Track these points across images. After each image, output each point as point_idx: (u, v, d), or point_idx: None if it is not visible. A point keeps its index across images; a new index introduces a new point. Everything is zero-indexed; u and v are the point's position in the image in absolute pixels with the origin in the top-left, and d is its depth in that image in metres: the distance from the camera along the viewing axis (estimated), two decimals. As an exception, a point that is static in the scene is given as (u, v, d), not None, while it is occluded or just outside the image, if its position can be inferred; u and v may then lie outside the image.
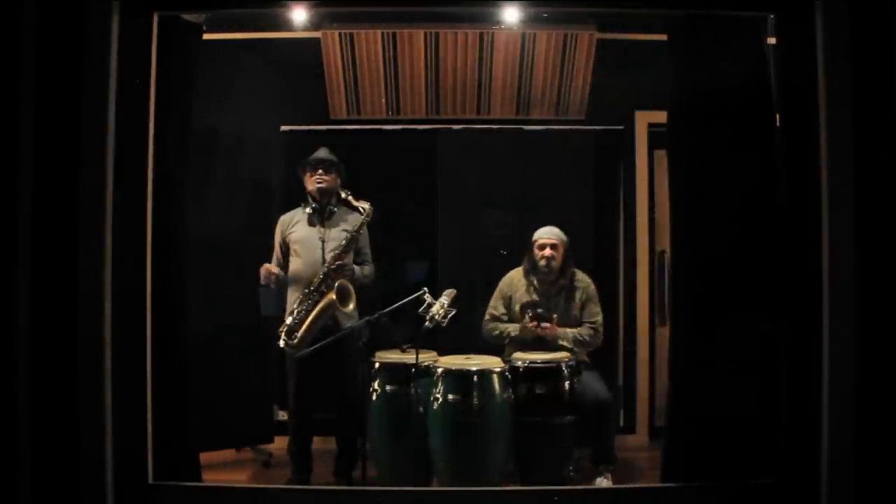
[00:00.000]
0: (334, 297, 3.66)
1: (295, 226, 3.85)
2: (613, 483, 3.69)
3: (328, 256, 3.75)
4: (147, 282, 3.05)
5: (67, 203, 2.84)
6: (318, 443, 3.97)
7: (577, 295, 3.94)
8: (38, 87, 2.80)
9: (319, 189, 3.82)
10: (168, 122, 3.18)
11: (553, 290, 3.96)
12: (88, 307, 2.85)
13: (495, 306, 4.02)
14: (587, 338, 3.88)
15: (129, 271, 2.98)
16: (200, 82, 3.41)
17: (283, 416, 4.35)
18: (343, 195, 3.80)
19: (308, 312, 3.68)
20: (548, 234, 3.94)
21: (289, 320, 3.71)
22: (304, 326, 3.67)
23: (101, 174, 2.89)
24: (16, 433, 2.74)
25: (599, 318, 3.94)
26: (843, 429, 2.83)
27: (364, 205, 3.76)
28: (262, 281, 3.80)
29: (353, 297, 3.73)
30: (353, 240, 3.76)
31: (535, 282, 3.96)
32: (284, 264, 3.86)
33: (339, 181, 3.87)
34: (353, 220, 3.85)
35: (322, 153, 3.87)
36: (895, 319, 2.79)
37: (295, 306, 3.72)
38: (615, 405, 3.82)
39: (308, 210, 3.85)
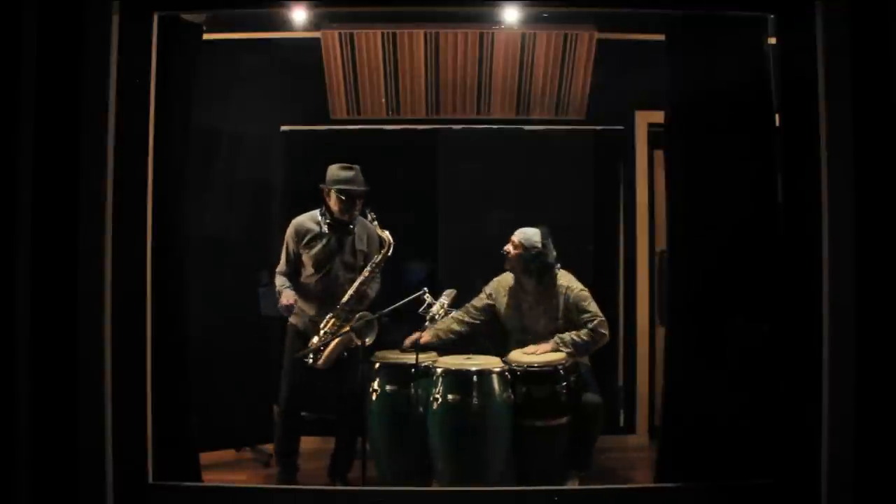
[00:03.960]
0: (353, 336, 3.59)
1: (312, 240, 3.74)
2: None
3: (344, 277, 3.75)
4: (147, 282, 3.05)
5: (67, 203, 2.84)
6: (314, 442, 3.97)
7: (559, 301, 3.81)
8: (38, 87, 2.81)
9: (350, 216, 3.74)
10: (168, 122, 3.19)
11: (534, 296, 3.86)
12: (88, 307, 2.86)
13: (469, 306, 3.94)
14: (585, 339, 3.71)
15: (129, 271, 2.99)
16: (200, 82, 3.41)
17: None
18: (370, 217, 3.73)
19: (333, 336, 3.64)
20: (516, 234, 3.84)
21: (315, 340, 3.66)
22: (328, 349, 3.64)
23: (101, 174, 2.90)
24: (16, 433, 2.74)
25: (599, 318, 3.74)
26: (843, 429, 2.83)
27: (386, 235, 3.70)
28: (283, 310, 3.72)
29: (375, 331, 3.61)
30: (375, 274, 3.74)
31: (518, 286, 3.90)
32: (291, 272, 3.77)
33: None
34: (367, 235, 3.81)
35: (355, 179, 3.71)
36: (895, 319, 2.79)
37: (325, 328, 3.67)
38: (603, 413, 3.75)
39: (326, 228, 3.75)
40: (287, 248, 3.78)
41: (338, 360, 3.65)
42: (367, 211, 3.74)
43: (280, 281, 3.77)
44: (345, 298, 3.69)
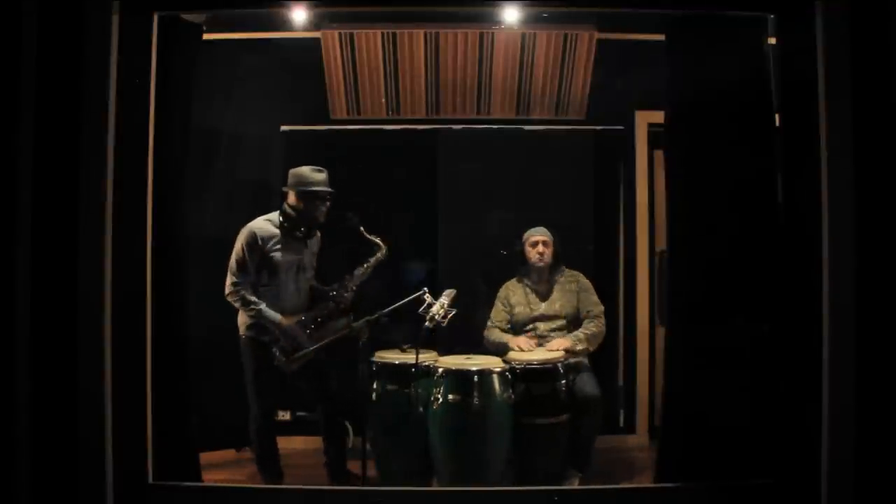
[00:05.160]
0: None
1: (276, 245, 3.65)
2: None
3: (304, 282, 3.77)
4: (147, 282, 3.05)
5: (67, 203, 2.84)
6: (313, 442, 3.97)
7: (572, 288, 3.96)
8: (39, 86, 2.80)
9: (319, 218, 3.73)
10: (168, 122, 3.19)
11: (548, 290, 3.97)
12: (88, 307, 2.86)
13: (496, 315, 4.02)
14: (595, 331, 3.87)
15: (129, 271, 2.99)
16: (200, 82, 3.41)
17: (282, 415, 4.36)
18: (360, 227, 3.75)
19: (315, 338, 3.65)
20: (538, 232, 3.97)
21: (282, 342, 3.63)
22: (307, 350, 3.60)
23: (101, 174, 2.90)
24: (16, 433, 2.74)
25: (601, 307, 3.94)
26: (843, 429, 2.83)
27: (378, 241, 3.76)
28: (285, 340, 3.61)
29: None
30: (365, 273, 3.78)
31: (530, 285, 3.99)
32: (245, 282, 3.61)
33: None
34: (316, 237, 3.85)
35: (324, 180, 3.71)
36: (895, 319, 2.79)
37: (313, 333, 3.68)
38: (602, 409, 3.76)
39: (297, 232, 3.70)
40: (244, 255, 3.60)
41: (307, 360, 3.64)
42: (352, 215, 3.75)
43: (244, 295, 3.59)
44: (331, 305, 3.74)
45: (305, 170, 3.72)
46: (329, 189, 3.72)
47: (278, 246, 3.67)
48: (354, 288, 3.79)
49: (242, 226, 3.76)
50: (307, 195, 3.68)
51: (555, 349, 3.76)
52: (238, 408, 4.08)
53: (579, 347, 3.80)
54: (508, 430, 3.50)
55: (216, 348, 4.01)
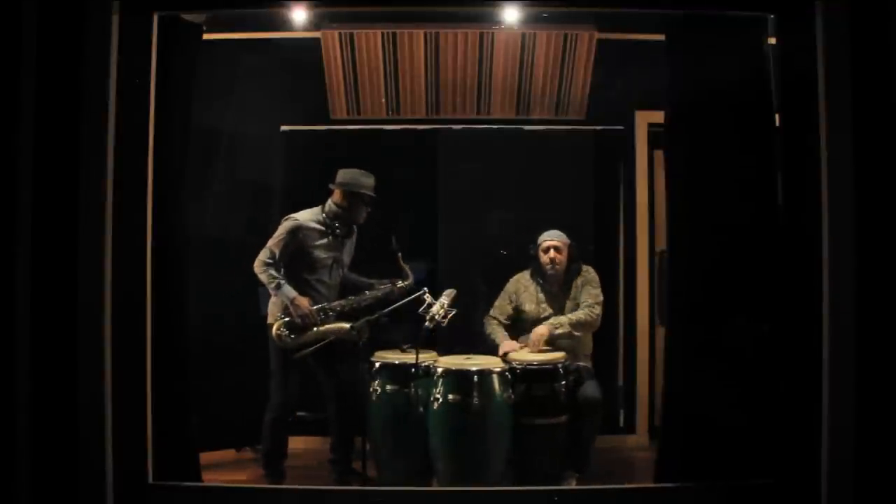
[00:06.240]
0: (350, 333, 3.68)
1: (317, 240, 3.77)
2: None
3: (337, 279, 3.85)
4: (147, 282, 3.05)
5: (67, 203, 2.84)
6: (314, 442, 3.96)
7: (578, 283, 3.93)
8: (39, 86, 2.81)
9: (360, 219, 3.85)
10: (168, 122, 3.19)
11: (560, 291, 3.95)
12: (88, 307, 2.86)
13: (499, 307, 4.01)
14: (582, 318, 3.82)
15: (129, 271, 2.99)
16: (200, 82, 3.41)
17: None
18: (398, 253, 3.83)
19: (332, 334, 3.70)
20: (551, 237, 3.93)
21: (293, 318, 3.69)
22: (308, 335, 3.67)
23: (101, 174, 2.90)
24: (16, 434, 2.74)
25: (599, 298, 3.88)
26: (843, 429, 2.83)
27: (408, 271, 3.85)
28: (297, 317, 3.67)
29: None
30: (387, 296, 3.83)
31: (543, 284, 3.97)
32: (282, 265, 3.71)
33: None
34: (354, 239, 3.93)
35: (372, 185, 3.81)
36: (895, 319, 2.79)
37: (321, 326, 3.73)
38: (602, 412, 3.76)
39: (334, 229, 3.81)
40: (283, 242, 3.71)
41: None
42: (395, 241, 3.82)
43: (271, 272, 3.67)
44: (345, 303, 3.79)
45: (355, 172, 3.83)
46: (374, 195, 3.81)
47: (320, 241, 3.79)
48: (371, 302, 3.84)
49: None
50: (354, 196, 3.79)
51: (535, 342, 3.74)
52: (238, 408, 4.10)
53: (558, 332, 3.77)
54: (508, 431, 3.50)
55: (217, 348, 4.02)
